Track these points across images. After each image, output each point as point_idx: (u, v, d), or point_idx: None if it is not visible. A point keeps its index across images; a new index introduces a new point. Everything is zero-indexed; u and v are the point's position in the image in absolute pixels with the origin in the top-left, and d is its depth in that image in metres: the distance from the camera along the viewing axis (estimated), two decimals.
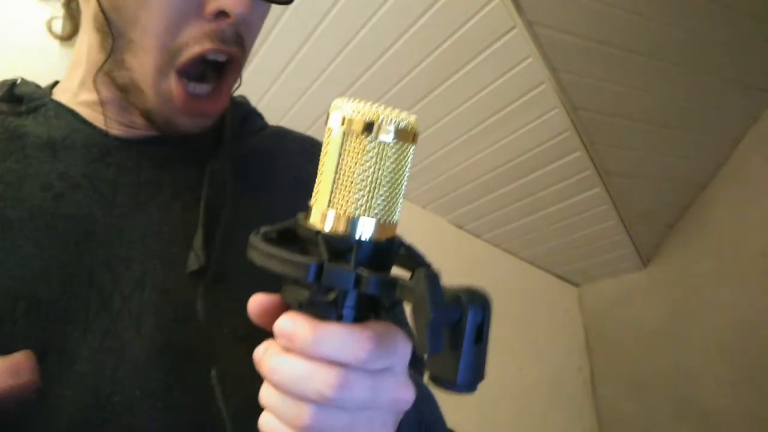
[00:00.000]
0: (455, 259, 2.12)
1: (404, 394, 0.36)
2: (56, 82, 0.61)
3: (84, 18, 0.56)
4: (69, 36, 0.59)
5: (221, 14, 0.49)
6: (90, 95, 0.55)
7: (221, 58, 0.52)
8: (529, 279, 2.29)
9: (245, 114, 0.64)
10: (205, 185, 0.53)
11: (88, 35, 0.55)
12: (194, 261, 0.49)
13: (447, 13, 1.38)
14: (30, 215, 0.48)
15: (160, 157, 0.55)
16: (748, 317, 1.76)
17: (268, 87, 1.66)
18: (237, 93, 0.61)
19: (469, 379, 0.33)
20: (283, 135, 0.66)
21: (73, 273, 0.47)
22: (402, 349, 0.35)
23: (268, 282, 0.38)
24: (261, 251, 0.35)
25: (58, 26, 0.59)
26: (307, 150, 0.65)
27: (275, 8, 0.57)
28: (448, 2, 1.35)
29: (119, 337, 0.46)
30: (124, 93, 0.53)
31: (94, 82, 0.54)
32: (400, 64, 1.55)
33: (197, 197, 0.52)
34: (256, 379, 0.39)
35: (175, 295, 0.48)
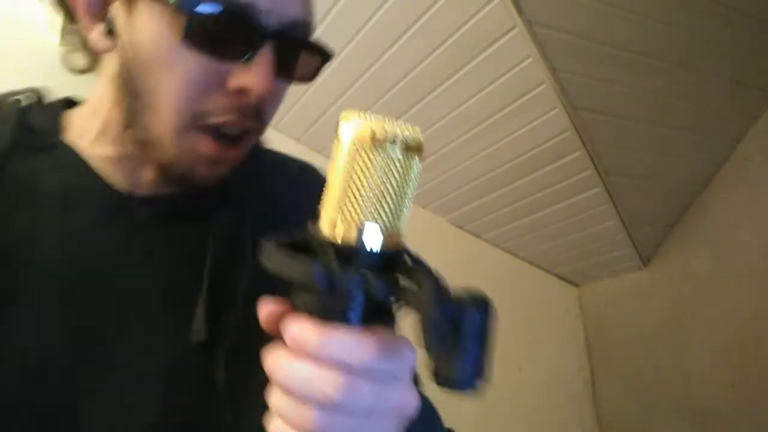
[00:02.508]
0: (455, 259, 2.12)
1: (409, 399, 0.37)
2: (67, 102, 0.59)
3: (106, 66, 0.55)
4: (87, 70, 0.58)
5: (243, 92, 0.49)
6: (105, 149, 0.55)
7: (236, 131, 0.52)
8: (529, 279, 2.28)
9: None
10: (209, 255, 0.53)
11: (107, 87, 0.54)
12: (196, 332, 0.49)
13: (447, 13, 1.38)
14: (43, 276, 0.48)
15: (169, 216, 0.55)
16: (749, 317, 1.76)
17: None
18: None
19: (471, 377, 0.33)
20: (280, 168, 0.66)
21: (82, 336, 0.47)
22: (407, 356, 0.36)
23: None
24: (272, 258, 0.36)
25: (75, 59, 0.58)
26: (302, 181, 0.66)
27: None
28: (448, 2, 1.35)
29: (127, 400, 0.46)
30: (141, 148, 0.52)
31: (115, 139, 0.54)
32: (400, 64, 1.55)
33: (205, 256, 0.53)
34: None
35: (183, 360, 0.49)
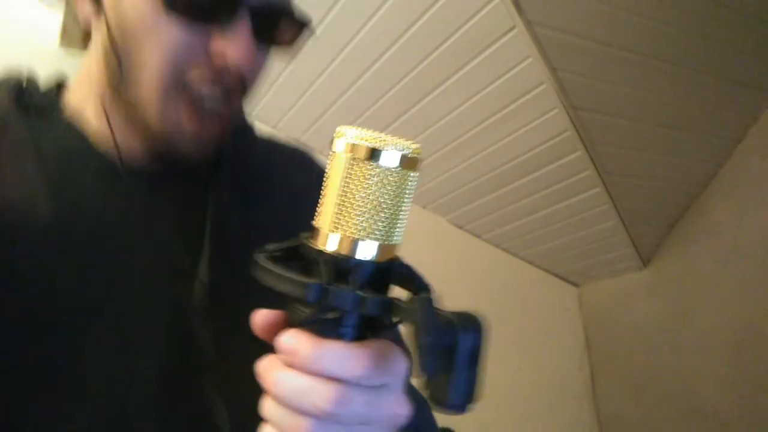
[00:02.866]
0: (455, 259, 2.12)
1: (400, 410, 0.38)
2: (59, 85, 0.61)
3: (94, 37, 0.56)
4: (83, 44, 0.59)
5: (223, 59, 0.51)
6: (96, 118, 0.55)
7: (220, 103, 0.53)
8: (529, 279, 2.28)
9: (237, 129, 0.65)
10: (208, 219, 0.54)
11: (96, 56, 0.55)
12: (199, 296, 0.50)
13: (446, 13, 1.38)
14: (44, 232, 0.48)
15: (166, 186, 0.56)
16: (749, 317, 1.76)
17: (266, 89, 1.66)
18: None
19: (460, 401, 0.34)
20: (273, 149, 0.68)
21: (88, 289, 0.48)
22: (399, 367, 0.37)
23: (268, 298, 0.39)
24: (266, 271, 0.36)
25: (72, 33, 0.60)
26: (295, 161, 0.68)
27: None
28: (448, 2, 1.35)
29: (132, 349, 0.48)
30: (128, 118, 0.53)
31: (103, 107, 0.55)
32: (400, 64, 1.55)
33: (202, 225, 0.54)
34: (258, 399, 0.40)
35: (183, 321, 0.50)
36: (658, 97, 1.62)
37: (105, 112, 0.55)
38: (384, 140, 0.35)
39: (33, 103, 0.55)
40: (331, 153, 0.37)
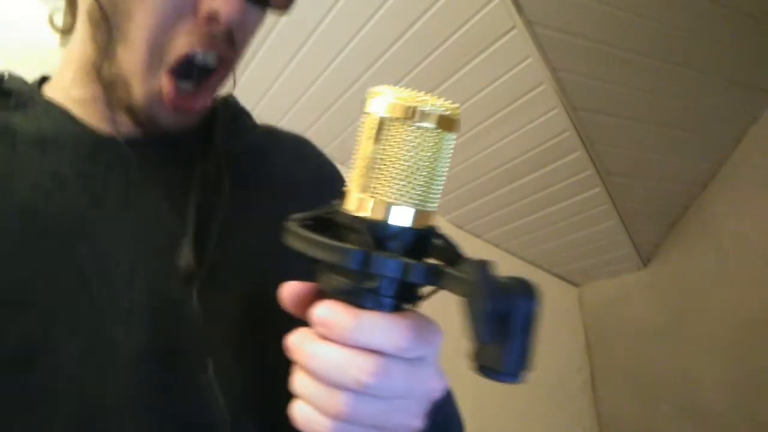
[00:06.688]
0: None
1: (437, 383, 0.36)
2: (44, 78, 0.60)
3: (80, 12, 0.55)
4: (69, 29, 0.57)
5: (213, 16, 0.49)
6: (81, 91, 0.54)
7: (210, 60, 0.51)
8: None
9: (235, 112, 0.63)
10: (194, 186, 0.52)
11: (82, 29, 0.54)
12: (184, 263, 0.48)
13: (447, 13, 1.38)
14: (20, 213, 0.47)
15: (150, 157, 0.54)
16: (749, 317, 1.76)
17: (268, 87, 1.66)
18: (235, 93, 0.61)
19: (516, 369, 0.32)
20: (273, 134, 0.66)
21: (62, 273, 0.46)
22: (436, 339, 0.35)
23: (260, 280, 0.38)
24: (301, 237, 0.34)
25: (59, 20, 0.58)
26: (297, 150, 0.66)
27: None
28: (448, 2, 1.35)
29: (107, 336, 0.45)
30: (108, 88, 0.51)
31: (87, 79, 0.53)
32: (399, 64, 1.55)
33: (186, 198, 0.52)
34: (247, 377, 0.38)
35: (164, 295, 0.47)
36: (658, 97, 1.62)
37: (88, 81, 0.53)
38: (421, 99, 0.33)
39: (13, 88, 0.54)
40: (364, 114, 0.35)
